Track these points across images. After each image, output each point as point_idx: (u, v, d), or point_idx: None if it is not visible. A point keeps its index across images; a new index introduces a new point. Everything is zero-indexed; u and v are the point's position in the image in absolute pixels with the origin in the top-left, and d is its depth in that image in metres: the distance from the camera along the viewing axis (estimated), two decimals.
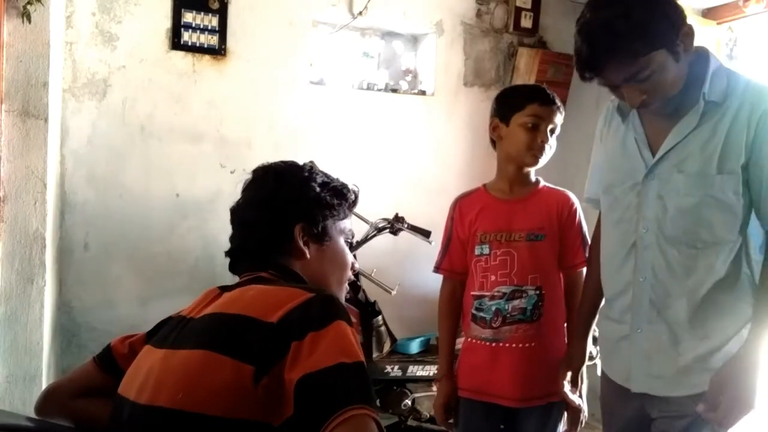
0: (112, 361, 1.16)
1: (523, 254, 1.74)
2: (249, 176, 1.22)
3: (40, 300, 2.13)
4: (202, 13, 2.76)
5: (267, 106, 2.92)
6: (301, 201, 1.15)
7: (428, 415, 2.72)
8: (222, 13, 2.79)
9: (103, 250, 2.71)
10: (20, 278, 2.11)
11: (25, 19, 1.99)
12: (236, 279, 1.17)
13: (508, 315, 1.73)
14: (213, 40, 2.79)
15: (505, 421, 1.78)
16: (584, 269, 1.78)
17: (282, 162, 1.22)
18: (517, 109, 1.73)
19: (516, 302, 1.73)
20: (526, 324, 1.73)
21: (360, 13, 3.02)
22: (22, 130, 2.07)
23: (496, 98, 1.84)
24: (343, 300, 1.20)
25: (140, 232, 2.76)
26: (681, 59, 1.30)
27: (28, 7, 1.98)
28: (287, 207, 1.14)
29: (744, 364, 1.30)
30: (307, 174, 1.18)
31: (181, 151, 2.80)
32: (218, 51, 2.81)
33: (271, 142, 2.93)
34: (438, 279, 1.96)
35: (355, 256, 2.66)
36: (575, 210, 1.80)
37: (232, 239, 1.19)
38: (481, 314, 1.77)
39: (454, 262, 1.86)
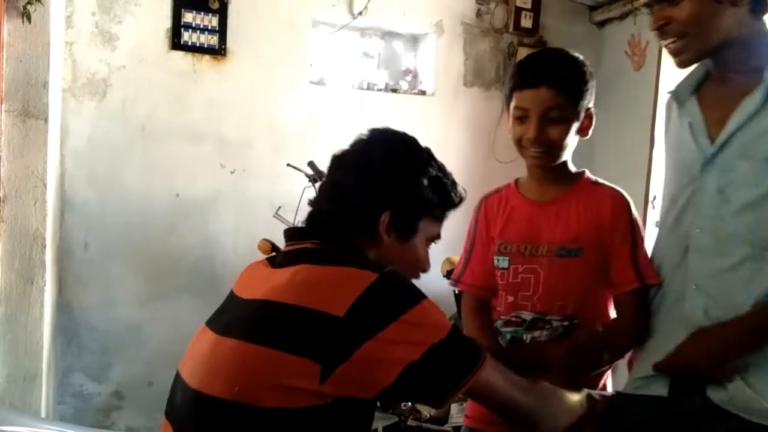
0: None
1: (550, 274, 1.35)
2: (365, 133, 1.12)
3: (40, 300, 2.13)
4: (202, 13, 2.76)
5: (267, 106, 2.92)
6: (401, 189, 1.06)
7: (428, 415, 2.73)
8: (222, 13, 2.79)
9: (103, 250, 2.71)
10: (20, 278, 2.11)
11: (25, 19, 1.99)
12: None
13: None
14: (213, 40, 2.79)
15: None
16: (635, 289, 1.33)
17: (400, 135, 1.13)
18: (508, 99, 1.38)
19: (536, 333, 1.37)
20: None
21: (360, 13, 3.02)
22: (22, 130, 2.07)
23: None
24: None
25: (140, 232, 2.76)
26: (726, 8, 1.15)
27: (28, 7, 1.98)
28: (385, 189, 1.05)
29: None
30: (421, 163, 1.09)
31: (181, 151, 2.80)
32: (218, 51, 2.81)
33: (271, 142, 2.94)
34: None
35: None
36: (626, 212, 1.36)
37: (317, 203, 1.11)
38: None
39: (476, 276, 1.48)
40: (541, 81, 1.30)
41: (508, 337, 1.40)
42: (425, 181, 1.07)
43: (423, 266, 1.14)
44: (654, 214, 3.20)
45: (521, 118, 1.33)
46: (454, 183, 1.13)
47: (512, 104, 1.35)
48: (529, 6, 3.37)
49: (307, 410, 0.90)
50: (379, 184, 1.05)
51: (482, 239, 1.48)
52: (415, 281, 1.01)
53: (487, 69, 3.37)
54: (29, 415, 1.24)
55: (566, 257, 1.34)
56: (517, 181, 1.48)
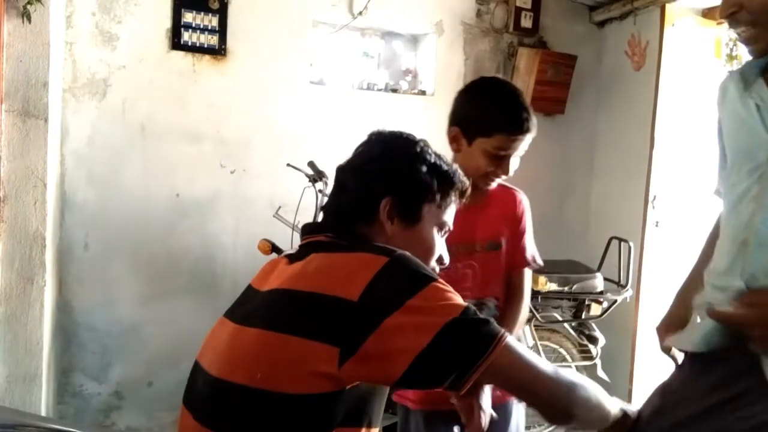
0: None
1: (484, 266, 1.61)
2: (364, 139, 1.18)
3: (40, 300, 2.14)
4: (202, 13, 2.76)
5: (267, 106, 2.93)
6: (398, 175, 1.09)
7: None
8: (222, 13, 2.79)
9: (103, 250, 2.71)
10: (20, 278, 2.11)
11: (25, 19, 2.00)
12: None
13: None
14: (213, 40, 2.79)
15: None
16: (526, 270, 1.68)
17: (397, 132, 1.17)
18: (483, 134, 1.53)
19: None
20: None
21: (360, 13, 3.02)
22: (22, 130, 2.08)
23: (460, 103, 1.63)
24: None
25: (140, 232, 2.76)
26: None
27: (28, 7, 1.99)
28: (381, 177, 1.09)
29: None
30: (417, 150, 1.12)
31: (181, 151, 2.80)
32: (218, 51, 2.81)
33: (271, 142, 2.94)
34: None
35: None
36: (526, 210, 1.69)
37: (326, 205, 1.16)
38: None
39: None
40: (528, 129, 1.50)
41: None
42: (423, 168, 1.10)
43: (433, 253, 1.14)
44: (654, 214, 3.20)
45: (498, 157, 1.52)
46: (456, 170, 1.16)
47: (491, 143, 1.51)
48: (529, 6, 3.37)
49: (327, 396, 0.91)
50: (376, 172, 1.10)
51: None
52: None
53: (487, 69, 3.37)
54: (29, 415, 1.24)
55: (494, 250, 1.63)
56: None
